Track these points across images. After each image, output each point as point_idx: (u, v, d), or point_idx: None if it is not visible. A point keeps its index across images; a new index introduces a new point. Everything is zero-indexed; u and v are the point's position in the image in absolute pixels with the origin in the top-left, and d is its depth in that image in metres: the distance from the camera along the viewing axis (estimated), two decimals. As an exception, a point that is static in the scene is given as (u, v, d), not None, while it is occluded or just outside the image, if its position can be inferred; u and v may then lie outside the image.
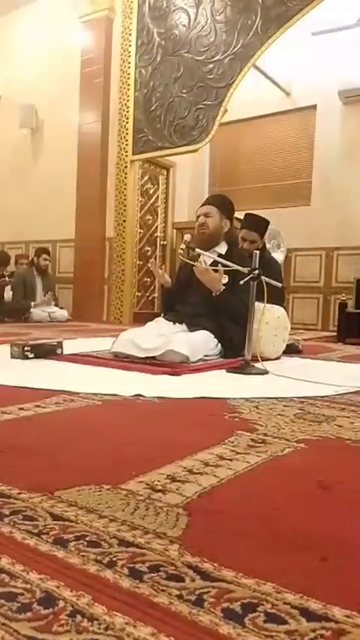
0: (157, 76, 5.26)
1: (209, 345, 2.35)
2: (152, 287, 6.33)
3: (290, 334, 2.86)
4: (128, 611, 0.49)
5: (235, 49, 4.71)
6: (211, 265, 2.44)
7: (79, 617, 0.48)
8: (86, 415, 1.31)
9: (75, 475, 0.84)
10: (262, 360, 2.20)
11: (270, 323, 2.52)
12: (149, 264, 2.78)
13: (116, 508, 0.71)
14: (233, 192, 5.88)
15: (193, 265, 2.48)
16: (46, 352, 2.30)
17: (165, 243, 6.40)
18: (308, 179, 5.77)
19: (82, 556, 0.58)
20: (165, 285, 2.75)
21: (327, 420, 1.31)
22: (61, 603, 0.50)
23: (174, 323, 2.47)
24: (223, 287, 2.41)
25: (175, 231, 6.30)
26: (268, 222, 3.04)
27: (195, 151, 5.16)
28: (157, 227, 6.32)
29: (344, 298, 4.68)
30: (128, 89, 5.49)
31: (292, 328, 2.96)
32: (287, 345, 2.75)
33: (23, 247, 6.57)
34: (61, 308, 5.66)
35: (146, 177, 6.10)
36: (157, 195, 6.31)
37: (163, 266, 2.78)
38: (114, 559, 0.58)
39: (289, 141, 5.93)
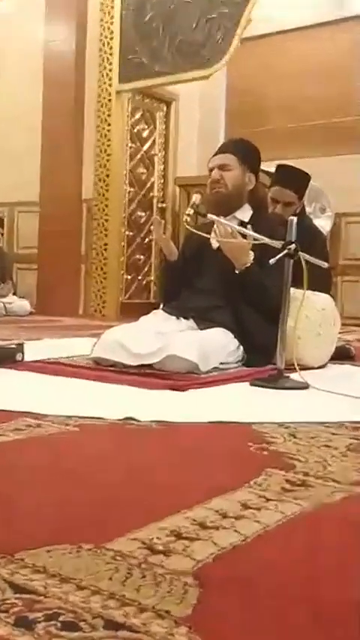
0: (153, -28, 5.25)
1: (227, 348, 2.35)
2: (147, 267, 6.33)
3: (340, 333, 2.85)
4: None
5: None
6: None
7: None
8: (58, 446, 1.31)
9: (43, 530, 0.84)
10: (301, 370, 2.20)
11: (312, 317, 2.51)
12: (152, 222, 2.75)
13: (101, 576, 0.71)
14: (259, 135, 5.85)
15: (205, 236, 2.47)
16: (1, 358, 2.31)
17: (165, 205, 6.39)
18: (364, 116, 5.75)
19: (55, 643, 0.59)
20: (168, 259, 2.72)
21: (392, 453, 1.31)
22: None
23: (178, 317, 2.47)
24: (251, 262, 2.41)
25: (178, 189, 6.28)
26: (308, 178, 3.03)
27: (206, 77, 5.14)
28: (153, 184, 6.31)
29: None
30: (113, -8, 5.47)
31: (342, 324, 2.96)
32: (335, 348, 2.74)
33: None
34: (21, 297, 5.67)
35: (138, 115, 6.08)
36: (154, 140, 6.30)
37: (168, 228, 2.74)
38: (99, 647, 0.58)
39: (338, 64, 5.90)
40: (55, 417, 1.53)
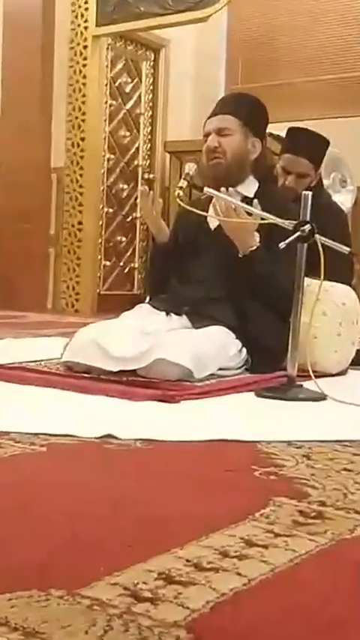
0: None
1: (227, 350, 2.36)
2: (130, 252, 6.32)
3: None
4: None
5: None
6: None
7: None
8: (20, 471, 1.31)
9: (3, 574, 0.84)
10: (317, 377, 2.21)
11: (330, 314, 2.52)
12: (137, 195, 2.72)
13: (75, 629, 0.71)
14: (266, 91, 5.85)
15: (202, 214, 2.47)
16: None
17: (152, 177, 6.38)
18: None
19: None
20: (157, 239, 2.73)
21: None
22: None
23: (168, 313, 2.48)
24: (258, 244, 2.41)
25: (168, 157, 6.27)
26: (327, 143, 3.03)
27: (203, 20, 5.13)
28: (137, 150, 6.30)
29: None
30: None
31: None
32: (357, 351, 2.76)
33: None
34: (-23, 287, 5.66)
35: (120, 65, 6.06)
36: (139, 96, 6.29)
37: (158, 202, 2.71)
38: None
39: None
40: (18, 434, 1.53)
